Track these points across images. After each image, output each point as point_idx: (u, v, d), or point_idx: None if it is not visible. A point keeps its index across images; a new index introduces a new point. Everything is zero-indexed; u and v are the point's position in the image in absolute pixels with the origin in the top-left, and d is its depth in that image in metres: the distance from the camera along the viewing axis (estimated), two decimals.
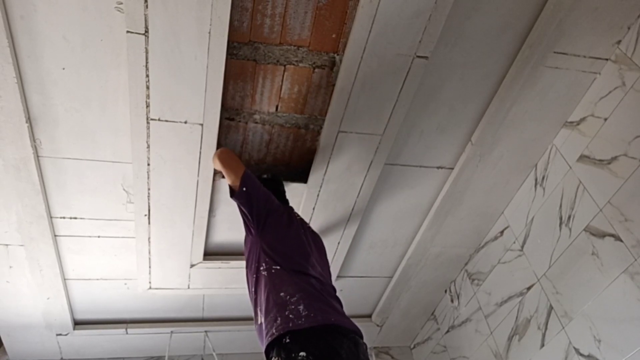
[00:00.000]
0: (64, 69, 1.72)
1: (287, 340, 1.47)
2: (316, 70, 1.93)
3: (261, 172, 2.14)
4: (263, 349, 1.60)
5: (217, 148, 2.02)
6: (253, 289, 1.73)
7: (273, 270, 1.68)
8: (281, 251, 1.73)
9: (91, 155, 2.00)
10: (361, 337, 1.56)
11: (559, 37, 1.92)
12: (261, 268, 1.70)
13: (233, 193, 1.82)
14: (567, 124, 2.27)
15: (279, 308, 1.56)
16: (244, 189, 1.77)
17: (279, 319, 1.52)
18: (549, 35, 1.91)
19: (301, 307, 1.54)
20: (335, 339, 1.47)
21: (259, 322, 1.66)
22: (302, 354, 1.40)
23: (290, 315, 1.52)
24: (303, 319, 1.50)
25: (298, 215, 1.99)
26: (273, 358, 1.48)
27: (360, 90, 1.93)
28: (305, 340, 1.45)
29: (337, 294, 1.75)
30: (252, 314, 1.74)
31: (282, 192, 2.10)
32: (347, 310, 1.74)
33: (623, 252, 1.97)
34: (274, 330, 1.50)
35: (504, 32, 1.93)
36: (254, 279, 1.73)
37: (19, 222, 2.13)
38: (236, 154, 2.04)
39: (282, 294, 1.60)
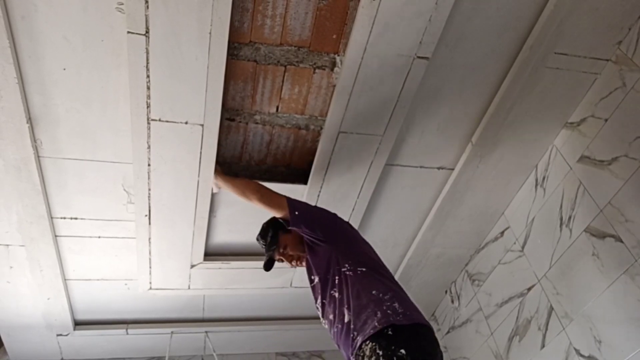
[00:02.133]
0: (64, 69, 1.72)
1: (390, 332, 1.51)
2: (317, 70, 1.93)
3: (262, 173, 2.14)
4: (348, 347, 1.62)
5: (216, 151, 2.02)
6: (335, 290, 1.75)
7: (359, 272, 1.71)
8: (360, 253, 1.79)
9: (92, 155, 2.00)
10: None
11: (560, 38, 1.92)
12: (344, 269, 1.73)
13: (288, 223, 1.85)
14: (568, 124, 2.27)
15: (376, 304, 1.60)
16: (296, 212, 1.82)
17: (379, 312, 1.57)
18: (549, 36, 1.91)
19: (396, 305, 1.60)
20: (434, 348, 1.53)
21: (346, 321, 1.66)
22: (402, 351, 1.45)
23: (389, 311, 1.57)
24: (401, 316, 1.56)
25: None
26: (369, 343, 1.51)
27: (361, 91, 1.93)
28: (407, 339, 1.50)
29: None
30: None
31: None
32: None
33: (623, 253, 1.97)
34: (376, 323, 1.54)
35: (505, 33, 1.93)
36: (336, 280, 1.74)
37: (20, 222, 2.13)
38: (267, 187, 1.98)
39: (374, 291, 1.65)
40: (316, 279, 1.83)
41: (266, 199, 1.89)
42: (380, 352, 1.47)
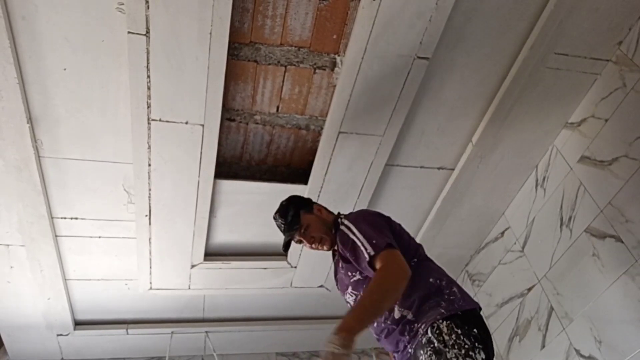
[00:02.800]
0: (65, 69, 1.73)
1: (460, 313, 1.53)
2: (317, 71, 1.93)
3: (262, 173, 2.13)
4: (402, 333, 1.60)
5: (217, 151, 2.02)
6: None
7: (412, 264, 1.66)
8: (407, 245, 1.75)
9: (92, 155, 2.01)
10: None
11: (560, 38, 1.93)
12: None
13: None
14: (568, 125, 2.27)
15: (437, 293, 1.60)
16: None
17: (443, 302, 1.57)
18: (549, 37, 1.91)
19: (455, 290, 1.62)
20: (488, 327, 1.58)
21: (401, 316, 1.60)
22: (476, 331, 1.50)
23: (452, 297, 1.58)
24: (462, 301, 1.58)
25: None
26: (443, 322, 1.51)
27: (361, 91, 1.93)
28: (474, 320, 1.54)
29: None
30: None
31: None
32: None
33: (624, 254, 1.97)
34: (442, 310, 1.54)
35: (505, 33, 1.93)
36: None
37: (20, 222, 2.13)
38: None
39: (431, 279, 1.65)
40: (359, 276, 1.69)
41: (391, 266, 1.54)
42: (459, 331, 1.48)
